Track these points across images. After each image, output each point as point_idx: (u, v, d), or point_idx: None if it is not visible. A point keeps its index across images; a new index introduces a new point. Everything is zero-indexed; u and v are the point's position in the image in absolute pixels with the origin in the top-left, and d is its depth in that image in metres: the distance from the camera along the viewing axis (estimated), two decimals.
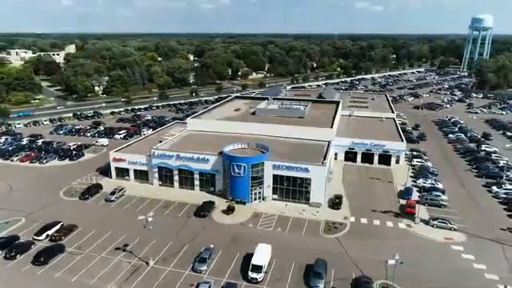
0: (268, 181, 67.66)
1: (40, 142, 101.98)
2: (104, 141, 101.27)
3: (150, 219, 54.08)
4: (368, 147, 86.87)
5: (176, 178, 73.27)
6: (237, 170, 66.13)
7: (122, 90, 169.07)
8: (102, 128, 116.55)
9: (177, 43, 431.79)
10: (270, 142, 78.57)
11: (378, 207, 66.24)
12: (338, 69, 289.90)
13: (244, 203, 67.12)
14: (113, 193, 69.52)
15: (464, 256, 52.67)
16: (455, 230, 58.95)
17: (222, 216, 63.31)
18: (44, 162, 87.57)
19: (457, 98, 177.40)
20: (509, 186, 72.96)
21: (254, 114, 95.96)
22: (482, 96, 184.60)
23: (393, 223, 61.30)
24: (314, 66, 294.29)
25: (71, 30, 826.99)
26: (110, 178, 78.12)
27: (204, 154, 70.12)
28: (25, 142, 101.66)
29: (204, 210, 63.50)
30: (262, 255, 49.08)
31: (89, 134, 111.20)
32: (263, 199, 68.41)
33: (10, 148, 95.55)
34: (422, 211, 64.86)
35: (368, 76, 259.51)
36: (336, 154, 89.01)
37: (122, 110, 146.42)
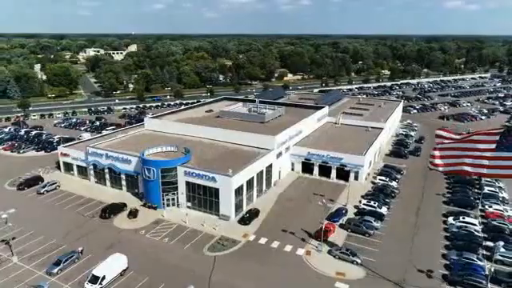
0: (182, 187, 64.69)
1: (33, 133, 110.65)
2: (86, 135, 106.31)
3: (4, 216, 54.00)
4: (324, 159, 78.45)
5: (107, 176, 73.84)
6: (147, 174, 64.26)
7: (143, 87, 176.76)
8: (97, 123, 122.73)
9: (237, 43, 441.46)
10: (206, 147, 75.79)
11: (294, 228, 59.26)
12: (387, 72, 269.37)
13: (155, 208, 65.03)
14: (44, 186, 72.45)
15: None
16: (357, 264, 50.15)
17: (124, 220, 61.98)
18: (21, 151, 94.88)
19: (502, 109, 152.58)
20: (469, 220, 60.08)
21: (218, 116, 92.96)
22: None
23: (293, 248, 54.24)
24: (360, 68, 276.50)
25: (159, 31, 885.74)
26: (60, 171, 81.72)
27: (127, 155, 69.45)
28: (22, 132, 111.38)
29: (108, 211, 62.76)
30: (108, 266, 46.70)
31: (82, 128, 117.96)
32: (177, 206, 65.63)
33: (0, 136, 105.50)
34: (340, 237, 56.73)
35: (414, 81, 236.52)
36: (293, 165, 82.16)
37: (134, 106, 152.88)
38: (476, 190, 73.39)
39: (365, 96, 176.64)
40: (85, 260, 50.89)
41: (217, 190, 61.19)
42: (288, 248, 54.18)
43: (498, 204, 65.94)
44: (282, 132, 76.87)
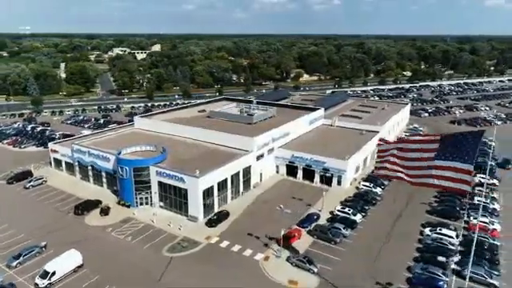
0: (154, 187, 64.96)
1: (38, 129, 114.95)
2: (86, 132, 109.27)
3: None
4: (308, 163, 76.46)
5: (90, 173, 75.40)
6: (120, 172, 65.03)
7: (153, 86, 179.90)
8: (101, 121, 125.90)
9: (259, 43, 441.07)
10: (188, 146, 76.02)
11: (261, 232, 57.96)
12: (408, 73, 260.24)
13: (128, 206, 65.69)
14: (30, 180, 74.99)
15: None
16: (313, 272, 48.33)
17: (95, 217, 62.97)
18: (22, 146, 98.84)
19: None
20: (446, 231, 56.54)
21: (209, 117, 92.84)
22: None
23: (252, 252, 53.07)
24: (380, 69, 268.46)
25: (190, 31, 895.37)
26: (51, 167, 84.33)
27: (106, 153, 70.56)
28: (29, 128, 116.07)
29: (81, 208, 63.90)
30: (60, 262, 47.49)
31: (86, 126, 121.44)
32: (151, 205, 65.97)
33: (8, 131, 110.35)
34: (305, 244, 55.03)
35: (435, 83, 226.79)
36: (277, 167, 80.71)
37: (142, 105, 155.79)
38: (466, 200, 69.14)
39: (377, 98, 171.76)
40: (45, 255, 51.98)
41: (185, 191, 60.99)
42: (248, 252, 53.09)
43: (485, 216, 61.71)
44: (263, 134, 75.61)
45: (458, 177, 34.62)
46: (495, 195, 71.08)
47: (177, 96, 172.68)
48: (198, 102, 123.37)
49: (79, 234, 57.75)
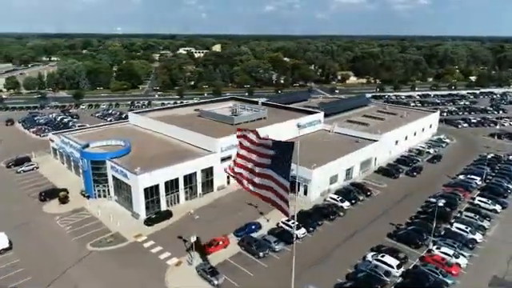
0: (110, 181, 66.63)
1: (65, 120, 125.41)
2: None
3: None
4: None
5: (72, 163, 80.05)
6: (81, 163, 67.93)
7: (188, 85, 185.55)
8: (123, 116, 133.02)
9: (324, 44, 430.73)
10: (162, 143, 77.17)
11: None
12: (473, 78, 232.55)
13: (88, 197, 68.31)
14: (23, 166, 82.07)
15: None
16: (214, 285, 45.21)
17: (54, 204, 66.47)
18: (42, 135, 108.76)
19: None
20: (388, 259, 48.80)
21: (200, 116, 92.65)
22: None
23: (169, 256, 51.47)
24: (440, 73, 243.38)
25: (268, 32, 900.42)
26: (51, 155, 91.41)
27: (79, 144, 74.16)
28: (58, 119, 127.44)
29: (44, 195, 67.91)
30: None
31: (108, 119, 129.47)
32: (109, 198, 67.81)
33: (40, 121, 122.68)
34: (227, 253, 52.01)
35: (500, 90, 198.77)
36: None
37: (172, 102, 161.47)
38: (445, 226, 59.23)
39: (419, 104, 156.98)
40: None
41: (130, 187, 61.56)
42: (165, 255, 51.71)
43: (452, 247, 52.16)
44: (230, 135, 73.01)
45: (281, 193, 29.70)
46: (486, 224, 59.74)
47: (206, 94, 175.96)
48: (205, 100, 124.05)
49: (28, 218, 61.41)
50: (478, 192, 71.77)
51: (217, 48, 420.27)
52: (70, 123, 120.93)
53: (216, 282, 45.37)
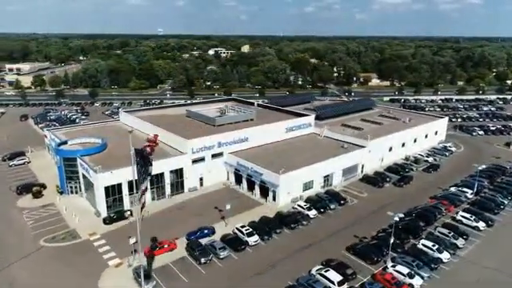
0: (81, 177, 67.80)
1: (74, 117, 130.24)
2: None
3: None
4: (249, 173, 70.14)
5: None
6: (56, 159, 69.67)
7: (203, 85, 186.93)
8: None
9: (356, 45, 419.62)
10: (141, 142, 76.93)
11: (146, 237, 55.38)
12: (509, 82, 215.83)
13: (61, 193, 69.91)
14: (15, 160, 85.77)
15: None
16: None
17: (28, 198, 68.52)
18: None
19: None
20: (330, 275, 45.45)
21: (188, 116, 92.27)
22: None
23: (113, 256, 51.37)
24: (472, 76, 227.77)
25: (306, 33, 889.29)
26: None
27: (58, 140, 76.11)
28: (69, 115, 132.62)
29: (20, 189, 70.27)
30: None
31: (115, 117, 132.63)
32: (80, 195, 69.06)
33: (51, 117, 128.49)
34: (171, 258, 51.00)
35: None
36: (228, 174, 76.04)
37: (183, 101, 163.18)
38: (414, 242, 54.64)
39: (439, 109, 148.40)
40: None
41: (93, 185, 62.25)
42: (109, 255, 51.55)
43: (410, 266, 47.81)
44: (203, 137, 72.04)
45: None
46: (460, 242, 54.31)
47: (216, 95, 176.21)
48: (203, 100, 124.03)
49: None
50: (466, 206, 65.96)
51: (245, 49, 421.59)
52: (77, 120, 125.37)
53: (146, 286, 44.42)
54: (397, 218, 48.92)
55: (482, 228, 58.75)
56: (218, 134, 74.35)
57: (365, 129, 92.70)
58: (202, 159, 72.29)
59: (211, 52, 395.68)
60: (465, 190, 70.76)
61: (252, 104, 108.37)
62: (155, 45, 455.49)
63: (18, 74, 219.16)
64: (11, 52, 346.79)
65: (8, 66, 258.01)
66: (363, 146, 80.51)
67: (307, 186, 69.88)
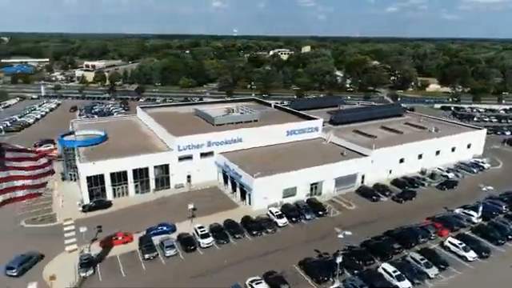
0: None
1: (113, 110, 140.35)
2: None
3: None
4: (231, 174, 69.02)
5: None
6: (59, 148, 75.71)
7: (244, 86, 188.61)
8: None
9: (434, 47, 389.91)
10: (142, 138, 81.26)
11: (117, 228, 57.50)
12: None
13: (63, 179, 75.67)
14: (42, 146, 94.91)
15: None
16: (85, 278, 46.12)
17: None
18: None
19: None
20: None
21: (197, 115, 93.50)
22: None
23: (74, 242, 54.14)
24: None
25: (386, 34, 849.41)
26: None
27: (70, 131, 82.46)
28: (110, 109, 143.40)
29: None
30: None
31: None
32: (78, 183, 73.98)
33: (96, 110, 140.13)
34: (123, 249, 52.41)
35: None
36: (218, 173, 75.73)
37: (210, 99, 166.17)
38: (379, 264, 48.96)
39: (495, 120, 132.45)
40: None
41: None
42: (70, 241, 54.48)
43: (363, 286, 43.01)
44: (192, 135, 72.46)
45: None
46: (433, 272, 47.24)
47: (253, 95, 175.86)
48: (221, 100, 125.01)
49: None
50: (467, 231, 57.42)
51: (306, 49, 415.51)
52: (115, 114, 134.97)
53: (82, 274, 46.22)
54: (341, 236, 44.29)
55: (470, 259, 50.53)
56: (208, 133, 74.40)
57: (379, 137, 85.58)
58: (190, 157, 72.86)
59: (271, 53, 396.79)
60: (471, 212, 61.47)
61: (270, 105, 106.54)
62: (223, 45, 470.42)
63: (86, 70, 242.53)
64: (93, 50, 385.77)
65: (86, 62, 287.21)
66: (365, 155, 74.34)
67: (288, 192, 66.48)
